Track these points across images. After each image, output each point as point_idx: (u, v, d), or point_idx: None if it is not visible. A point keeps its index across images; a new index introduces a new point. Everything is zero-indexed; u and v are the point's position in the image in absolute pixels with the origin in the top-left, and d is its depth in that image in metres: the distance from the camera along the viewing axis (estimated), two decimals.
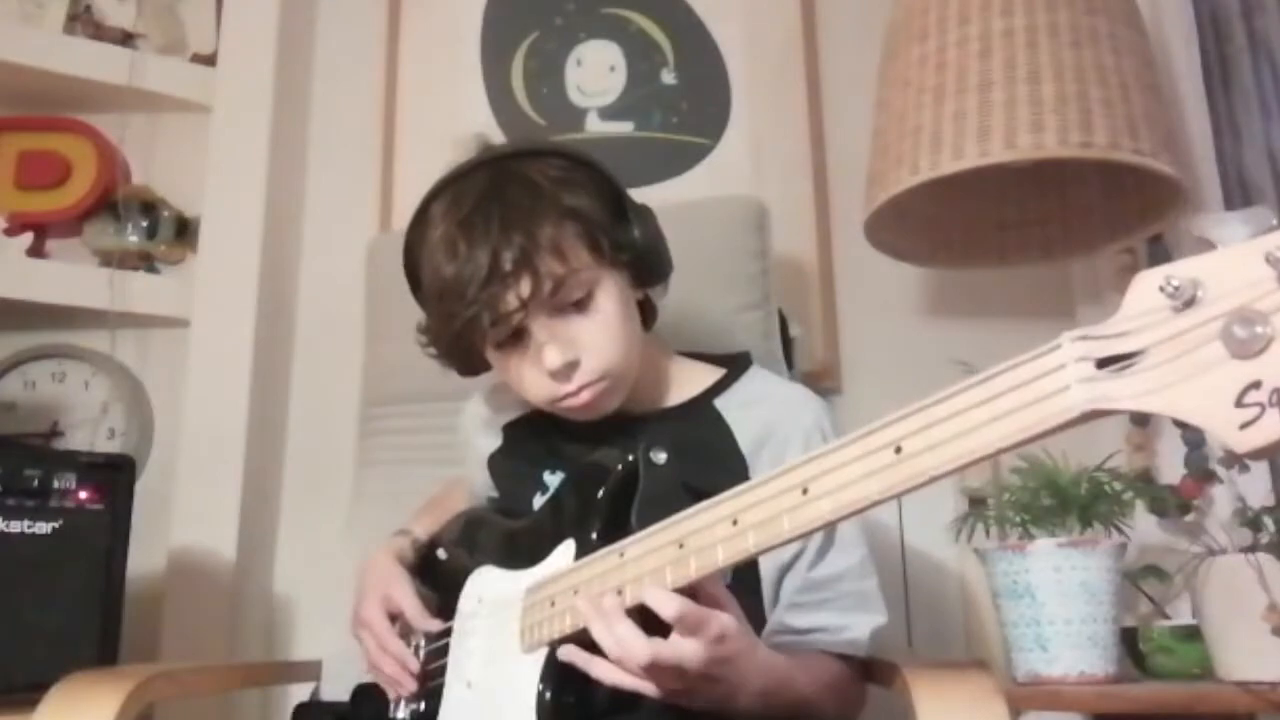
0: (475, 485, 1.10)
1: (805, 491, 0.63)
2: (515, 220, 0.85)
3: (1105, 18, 1.26)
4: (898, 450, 0.58)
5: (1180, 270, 0.47)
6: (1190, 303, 0.46)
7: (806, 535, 0.66)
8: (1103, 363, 0.50)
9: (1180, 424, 0.48)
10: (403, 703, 0.95)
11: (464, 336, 0.89)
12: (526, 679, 0.79)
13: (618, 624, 0.71)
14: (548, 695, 0.78)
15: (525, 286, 0.85)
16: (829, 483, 0.61)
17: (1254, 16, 1.48)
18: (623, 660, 0.72)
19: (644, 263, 0.94)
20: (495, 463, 1.06)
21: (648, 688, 0.73)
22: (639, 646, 0.70)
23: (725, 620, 0.73)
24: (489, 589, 0.90)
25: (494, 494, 1.07)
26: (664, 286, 1.00)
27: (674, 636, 0.71)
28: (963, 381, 0.56)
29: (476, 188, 0.89)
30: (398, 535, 1.05)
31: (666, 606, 0.69)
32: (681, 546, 0.70)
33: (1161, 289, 0.47)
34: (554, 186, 0.88)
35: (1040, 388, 0.52)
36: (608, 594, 0.73)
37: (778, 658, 0.82)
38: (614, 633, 0.72)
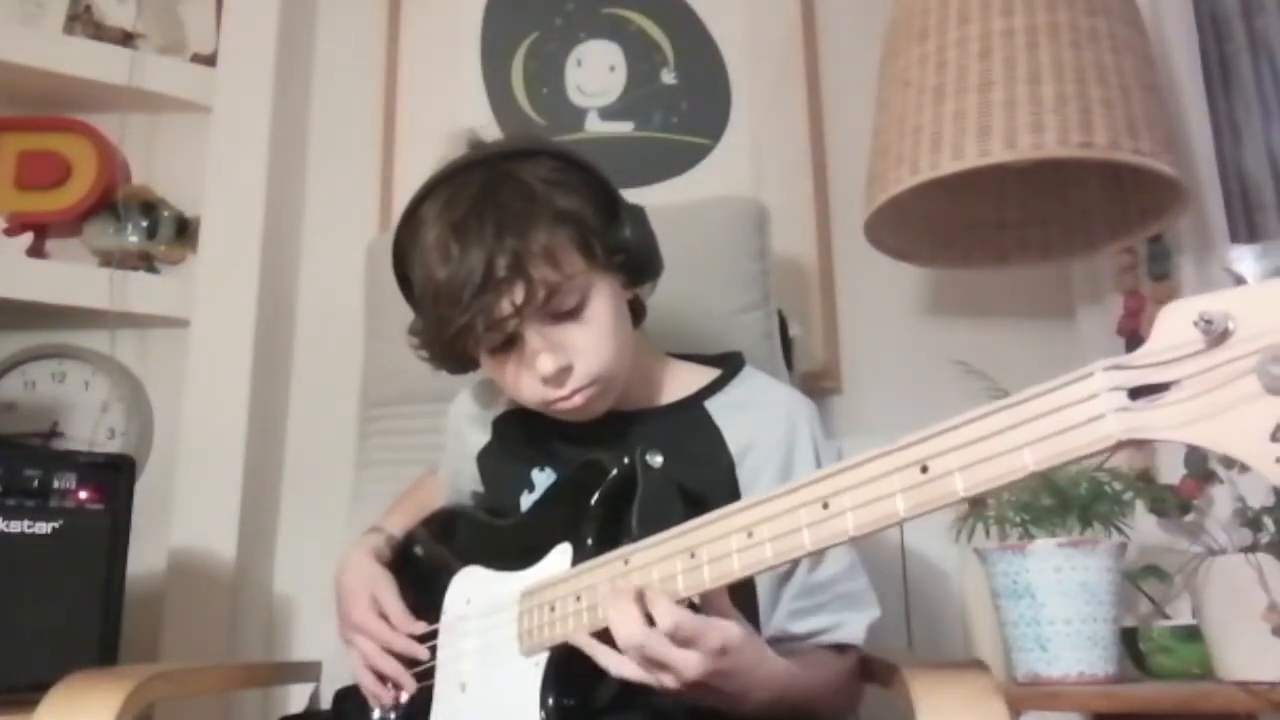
0: (461, 480, 1.09)
1: (826, 506, 0.62)
2: (508, 225, 0.84)
3: (1105, 18, 1.26)
4: (924, 469, 0.58)
5: (1213, 305, 0.48)
6: (1223, 337, 0.48)
7: (827, 549, 0.66)
8: (1135, 392, 0.51)
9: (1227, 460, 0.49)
10: (388, 704, 0.94)
11: (457, 341, 0.88)
12: (528, 683, 0.79)
13: (625, 602, 0.71)
14: (551, 700, 0.78)
15: (519, 294, 0.84)
16: (851, 498, 0.61)
17: (1254, 16, 1.48)
18: (623, 642, 0.72)
19: (636, 264, 0.94)
20: (484, 458, 1.05)
21: (649, 680, 0.73)
22: (635, 631, 0.70)
23: (729, 631, 0.73)
24: (478, 590, 0.90)
25: (479, 489, 1.06)
26: (652, 285, 0.99)
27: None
28: (990, 405, 0.56)
29: (469, 189, 0.87)
30: (371, 533, 1.05)
31: (664, 619, 0.70)
32: (693, 556, 0.69)
33: (1195, 324, 0.48)
34: (547, 189, 0.88)
35: (1073, 415, 0.53)
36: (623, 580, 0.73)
37: (783, 664, 0.82)
38: (618, 608, 0.72)
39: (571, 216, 0.88)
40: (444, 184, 0.90)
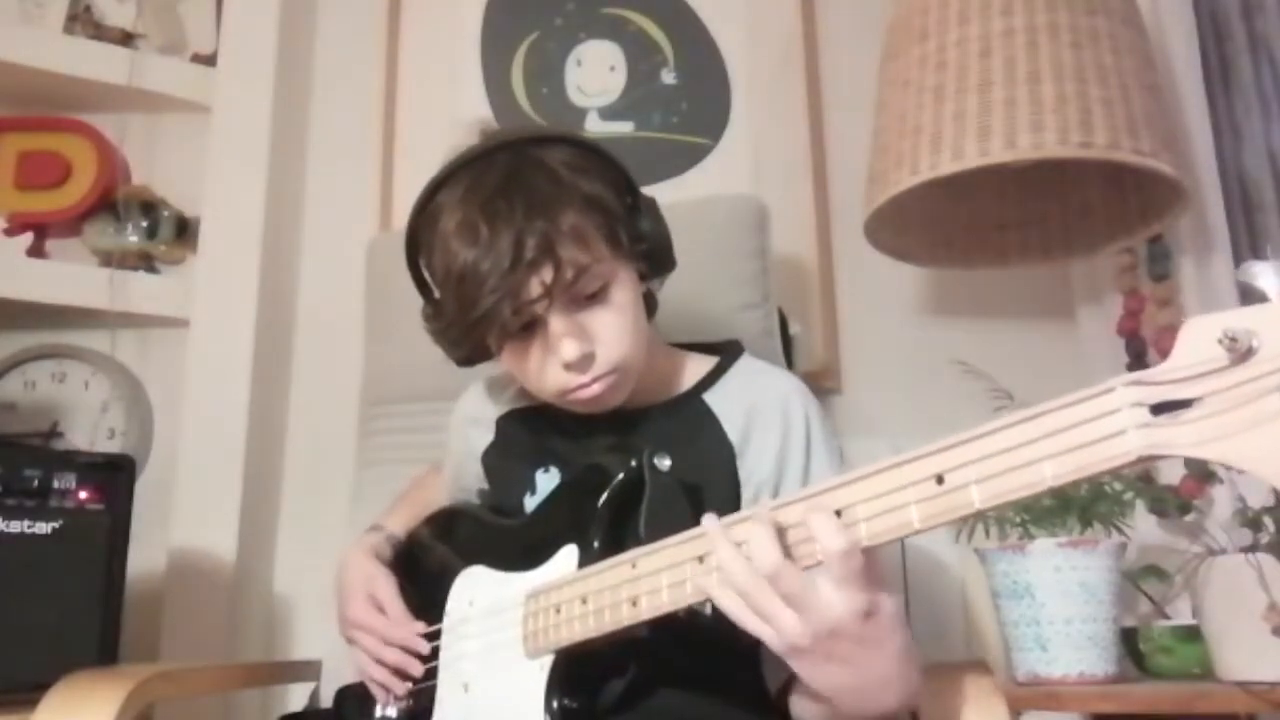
0: (466, 479, 1.08)
1: (838, 515, 0.62)
2: (538, 206, 0.84)
3: (1105, 18, 1.26)
4: (940, 480, 0.58)
5: (1237, 322, 0.48)
6: (1247, 355, 0.48)
7: None
8: (1156, 408, 0.51)
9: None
10: (391, 703, 0.94)
11: (479, 326, 0.86)
12: (532, 685, 0.79)
13: (757, 527, 0.65)
14: (556, 703, 0.78)
15: (548, 274, 0.83)
16: (865, 509, 0.61)
17: (1254, 16, 1.48)
18: (745, 580, 0.65)
19: (654, 255, 0.94)
20: (489, 458, 1.05)
21: (768, 632, 0.66)
22: (769, 557, 0.64)
23: (884, 601, 0.66)
24: (481, 590, 0.89)
25: (484, 486, 1.05)
26: (663, 279, 0.99)
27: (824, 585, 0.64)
28: (1007, 417, 0.56)
29: (494, 173, 0.87)
30: (371, 532, 1.05)
31: (834, 538, 0.62)
32: (702, 561, 0.69)
33: (1219, 341, 0.48)
34: (572, 174, 0.87)
35: (1094, 430, 0.53)
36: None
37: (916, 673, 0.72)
38: (750, 532, 0.65)
39: (597, 202, 0.87)
40: (465, 169, 0.89)
